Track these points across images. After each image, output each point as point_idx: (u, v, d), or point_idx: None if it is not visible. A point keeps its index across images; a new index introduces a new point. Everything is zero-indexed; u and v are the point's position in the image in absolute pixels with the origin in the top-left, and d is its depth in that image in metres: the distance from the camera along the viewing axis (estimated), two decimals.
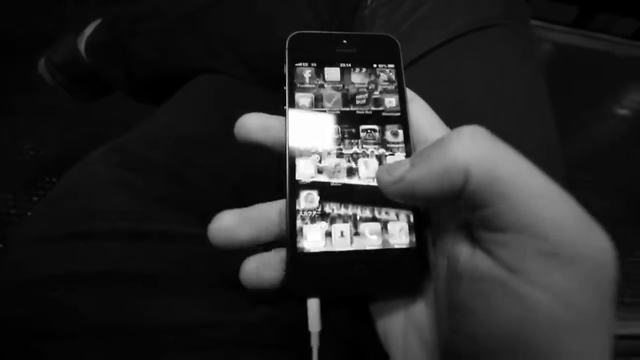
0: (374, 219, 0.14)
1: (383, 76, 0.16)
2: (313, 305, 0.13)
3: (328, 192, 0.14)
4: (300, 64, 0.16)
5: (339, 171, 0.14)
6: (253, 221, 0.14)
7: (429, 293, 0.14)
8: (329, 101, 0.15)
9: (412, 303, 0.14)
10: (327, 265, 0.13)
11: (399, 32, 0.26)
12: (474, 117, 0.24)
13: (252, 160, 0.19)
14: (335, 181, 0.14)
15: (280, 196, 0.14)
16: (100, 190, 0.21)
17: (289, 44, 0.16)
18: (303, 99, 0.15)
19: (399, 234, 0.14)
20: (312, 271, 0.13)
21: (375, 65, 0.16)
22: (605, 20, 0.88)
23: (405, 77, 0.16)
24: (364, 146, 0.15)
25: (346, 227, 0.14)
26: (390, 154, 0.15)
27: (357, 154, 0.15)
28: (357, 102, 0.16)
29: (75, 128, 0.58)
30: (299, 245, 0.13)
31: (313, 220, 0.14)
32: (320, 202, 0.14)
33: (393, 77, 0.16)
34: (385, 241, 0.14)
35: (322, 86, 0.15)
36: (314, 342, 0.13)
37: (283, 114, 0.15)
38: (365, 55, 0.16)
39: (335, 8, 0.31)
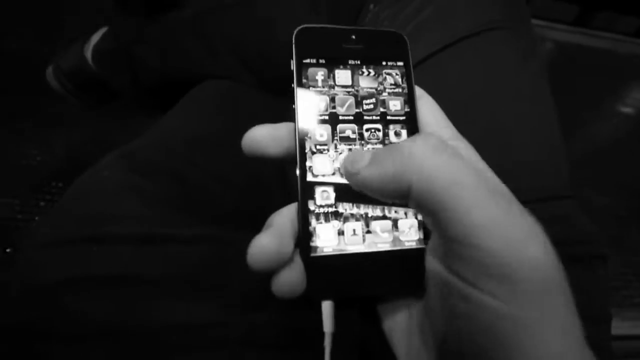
0: (384, 217, 0.14)
1: (392, 73, 0.16)
2: (327, 307, 0.13)
3: (340, 192, 0.14)
4: (307, 60, 0.15)
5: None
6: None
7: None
8: (338, 99, 0.15)
9: (414, 304, 0.14)
10: (340, 267, 0.14)
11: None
12: (477, 119, 0.25)
13: (258, 164, 0.19)
14: (345, 181, 0.14)
15: (288, 198, 0.14)
16: (111, 195, 0.21)
17: (295, 38, 0.15)
18: (311, 96, 0.15)
19: (409, 232, 0.14)
20: (325, 273, 0.14)
21: (384, 62, 0.16)
22: (607, 18, 0.88)
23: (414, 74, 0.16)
24: (373, 143, 0.15)
25: (358, 226, 0.14)
26: None
27: (366, 148, 0.15)
28: (367, 99, 0.15)
29: (82, 134, 0.58)
30: (313, 248, 0.14)
31: (327, 220, 0.14)
32: (333, 202, 0.14)
33: (402, 74, 0.16)
34: (396, 239, 0.14)
35: (331, 84, 0.15)
36: (327, 343, 0.13)
37: (291, 113, 0.15)
38: (373, 51, 0.16)
39: (336, 12, 0.32)
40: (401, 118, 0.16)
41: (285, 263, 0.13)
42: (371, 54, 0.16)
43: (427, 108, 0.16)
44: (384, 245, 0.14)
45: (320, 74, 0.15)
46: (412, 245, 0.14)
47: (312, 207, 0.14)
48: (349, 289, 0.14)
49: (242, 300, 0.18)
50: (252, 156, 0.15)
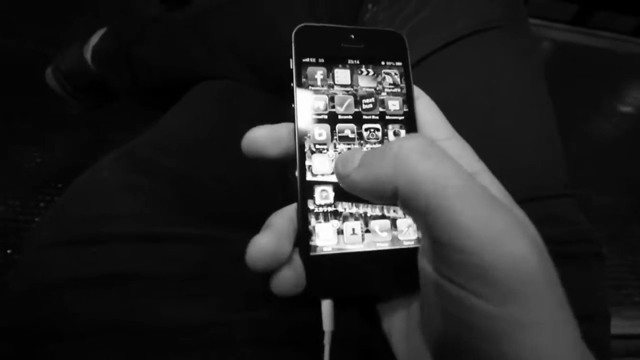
0: (383, 217, 0.14)
1: (391, 73, 0.16)
2: (326, 306, 0.14)
3: (339, 192, 0.14)
4: (307, 59, 0.15)
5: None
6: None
7: None
8: (337, 98, 0.15)
9: (412, 302, 0.14)
10: (339, 266, 0.14)
11: None
12: (474, 119, 0.25)
13: (258, 164, 0.19)
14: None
15: (287, 198, 0.15)
16: (111, 194, 0.21)
17: (295, 37, 0.15)
18: (311, 96, 0.15)
19: (408, 231, 0.14)
20: (325, 273, 0.14)
21: (383, 62, 0.16)
22: (605, 17, 0.88)
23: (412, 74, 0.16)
24: (372, 143, 0.15)
25: (357, 225, 0.14)
26: None
27: (365, 148, 0.15)
28: (366, 98, 0.16)
29: (82, 135, 0.58)
30: (312, 247, 0.14)
31: (326, 220, 0.14)
32: (333, 201, 0.14)
33: (401, 74, 0.16)
34: (394, 239, 0.14)
35: (330, 84, 0.15)
36: (327, 341, 0.13)
37: (290, 112, 0.15)
38: (372, 51, 0.16)
39: (335, 13, 0.32)
40: (400, 118, 0.16)
41: (284, 262, 0.13)
42: (370, 54, 0.16)
43: (425, 108, 0.16)
44: (383, 245, 0.14)
45: (319, 73, 0.15)
46: (411, 244, 0.14)
47: (311, 206, 0.14)
48: (348, 288, 0.14)
49: (242, 299, 0.18)
50: (251, 157, 0.15)
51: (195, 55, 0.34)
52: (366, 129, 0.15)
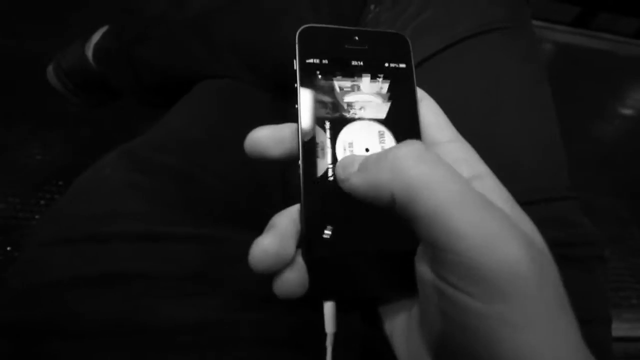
0: (386, 218, 0.14)
1: (394, 74, 0.16)
2: (329, 307, 0.14)
3: (342, 193, 0.14)
4: (310, 60, 0.15)
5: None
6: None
7: None
8: (341, 99, 0.15)
9: (414, 303, 0.14)
10: (342, 268, 0.14)
11: None
12: (476, 121, 0.25)
13: (260, 164, 0.19)
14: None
15: (289, 198, 0.14)
16: (112, 193, 0.21)
17: (299, 37, 0.15)
18: (314, 97, 0.15)
19: (410, 236, 0.14)
20: (328, 274, 0.14)
21: (386, 64, 0.16)
22: (606, 19, 0.88)
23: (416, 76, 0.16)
24: (375, 145, 0.15)
25: (361, 227, 0.14)
26: None
27: (367, 150, 0.15)
28: (369, 100, 0.15)
29: (83, 133, 0.58)
30: (315, 249, 0.14)
31: (329, 222, 0.14)
32: (335, 203, 0.14)
33: (404, 75, 0.16)
34: (399, 240, 0.14)
35: (333, 85, 0.15)
36: (329, 343, 0.13)
37: (294, 113, 0.15)
38: (376, 52, 0.16)
39: (338, 13, 0.32)
40: (403, 120, 0.16)
41: (287, 264, 0.13)
42: (374, 56, 0.16)
43: (429, 110, 0.16)
44: (387, 246, 0.14)
45: (323, 75, 0.15)
46: (416, 245, 0.14)
47: (314, 207, 0.14)
48: (351, 290, 0.14)
49: (243, 300, 0.18)
50: (254, 157, 0.15)
51: (197, 55, 0.34)
52: (369, 131, 0.15)
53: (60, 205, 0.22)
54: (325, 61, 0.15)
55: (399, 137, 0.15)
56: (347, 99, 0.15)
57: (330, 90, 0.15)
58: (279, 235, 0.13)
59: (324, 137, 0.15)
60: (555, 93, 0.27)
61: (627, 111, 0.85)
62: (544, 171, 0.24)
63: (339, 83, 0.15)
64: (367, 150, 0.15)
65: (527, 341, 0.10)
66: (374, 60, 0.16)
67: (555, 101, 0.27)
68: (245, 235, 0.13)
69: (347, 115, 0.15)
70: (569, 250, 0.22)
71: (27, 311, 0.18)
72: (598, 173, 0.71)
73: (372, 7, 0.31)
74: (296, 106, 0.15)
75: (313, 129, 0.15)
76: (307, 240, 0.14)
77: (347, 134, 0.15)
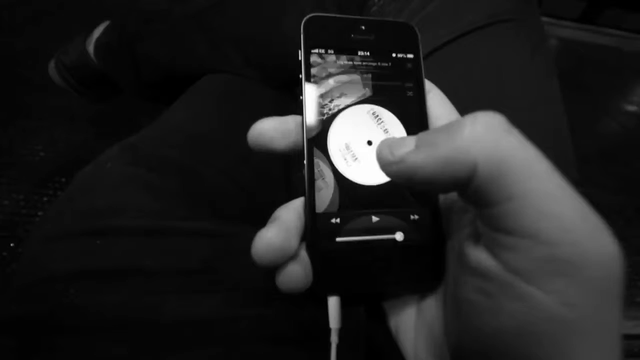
0: (393, 215, 0.14)
1: (401, 65, 0.15)
2: (333, 302, 0.13)
3: (348, 188, 0.14)
4: (316, 50, 0.15)
5: (357, 161, 0.14)
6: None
7: (440, 289, 0.14)
8: (346, 90, 0.15)
9: (423, 299, 0.14)
10: (347, 262, 0.13)
11: None
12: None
13: (263, 158, 0.19)
14: (354, 176, 0.14)
15: (293, 192, 0.14)
16: (115, 188, 0.21)
17: (304, 27, 0.15)
18: (319, 87, 0.15)
19: (418, 231, 0.14)
20: (333, 269, 0.13)
21: (394, 55, 0.15)
22: (613, 15, 0.87)
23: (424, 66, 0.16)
24: (382, 136, 0.15)
25: (366, 224, 0.14)
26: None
27: (370, 144, 0.15)
28: (376, 91, 0.15)
29: (85, 129, 0.58)
30: (319, 244, 0.13)
31: (333, 218, 0.14)
32: (341, 199, 0.14)
33: (412, 67, 0.16)
34: (404, 237, 0.14)
35: (339, 74, 0.15)
36: (334, 338, 0.13)
37: (299, 104, 0.15)
38: (383, 42, 0.15)
39: (342, 5, 0.31)
40: (411, 110, 0.15)
41: (290, 257, 0.12)
42: (381, 45, 0.15)
43: (437, 101, 0.15)
44: (395, 238, 0.14)
45: (329, 65, 0.15)
46: (425, 237, 0.14)
47: (319, 201, 0.14)
48: (357, 285, 0.14)
49: (247, 295, 0.18)
50: (258, 150, 0.14)
51: (199, 50, 0.34)
52: (377, 122, 0.15)
53: (62, 200, 0.22)
54: (331, 51, 0.15)
55: (407, 129, 0.15)
56: (353, 89, 0.15)
57: (336, 81, 0.15)
58: (282, 228, 0.12)
59: (330, 128, 0.14)
60: (561, 88, 0.27)
61: (633, 107, 0.84)
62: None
63: (345, 74, 0.15)
64: (369, 143, 0.15)
65: (595, 356, 0.09)
66: (381, 50, 0.15)
67: (562, 96, 0.27)
68: (250, 231, 0.12)
69: (353, 106, 0.15)
70: None
71: (30, 306, 0.18)
72: (603, 169, 0.70)
73: None
74: (301, 97, 0.15)
75: (318, 120, 0.14)
76: (312, 233, 0.13)
77: (353, 124, 0.15)
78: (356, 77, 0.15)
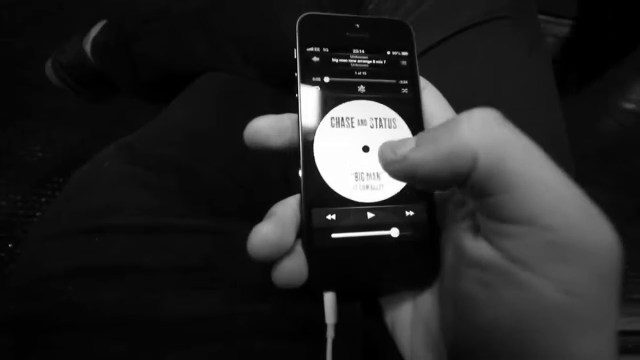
0: (388, 211, 0.14)
1: (396, 63, 0.16)
2: (329, 298, 0.13)
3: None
4: (311, 49, 0.15)
5: (353, 159, 0.14)
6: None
7: (436, 284, 0.14)
8: (341, 88, 0.15)
9: (419, 294, 0.14)
10: (343, 258, 0.13)
11: None
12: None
13: (261, 156, 0.19)
14: (349, 170, 0.14)
15: (291, 190, 0.14)
16: (113, 186, 0.21)
17: (299, 26, 0.15)
18: (315, 85, 0.15)
19: (413, 226, 0.14)
20: (328, 265, 0.13)
21: (388, 52, 0.16)
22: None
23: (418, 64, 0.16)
24: (377, 134, 0.15)
25: (361, 220, 0.14)
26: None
27: (366, 149, 0.15)
28: (370, 90, 0.15)
29: (82, 129, 0.58)
30: (315, 239, 0.13)
31: (329, 214, 0.14)
32: (336, 194, 0.14)
33: (406, 64, 0.16)
34: (399, 233, 0.14)
35: (334, 72, 0.15)
36: (329, 334, 0.13)
37: (294, 102, 0.15)
38: (378, 40, 0.16)
39: (339, 4, 0.31)
40: (406, 108, 0.15)
41: (286, 253, 0.12)
42: (376, 43, 0.16)
43: (432, 98, 0.15)
44: (390, 234, 0.14)
45: (324, 63, 0.15)
46: (420, 232, 0.14)
47: (314, 197, 0.14)
48: (352, 281, 0.14)
49: (245, 292, 0.18)
50: (254, 148, 0.14)
51: (198, 49, 0.34)
52: (371, 119, 0.15)
53: (60, 200, 0.22)
54: (326, 49, 0.15)
55: (403, 125, 0.15)
56: (348, 87, 0.15)
57: (331, 79, 0.15)
58: (278, 224, 0.12)
59: (325, 126, 0.15)
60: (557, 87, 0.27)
61: (631, 105, 0.84)
62: None
63: (340, 71, 0.15)
64: (366, 148, 0.15)
65: (596, 343, 0.09)
66: (375, 48, 0.16)
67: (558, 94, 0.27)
68: (248, 229, 0.12)
69: (348, 103, 0.15)
70: None
71: (27, 305, 0.18)
72: (601, 167, 0.71)
73: None
74: (296, 95, 0.15)
75: (314, 118, 0.14)
76: (307, 229, 0.13)
77: (348, 122, 0.15)
78: (351, 74, 0.15)
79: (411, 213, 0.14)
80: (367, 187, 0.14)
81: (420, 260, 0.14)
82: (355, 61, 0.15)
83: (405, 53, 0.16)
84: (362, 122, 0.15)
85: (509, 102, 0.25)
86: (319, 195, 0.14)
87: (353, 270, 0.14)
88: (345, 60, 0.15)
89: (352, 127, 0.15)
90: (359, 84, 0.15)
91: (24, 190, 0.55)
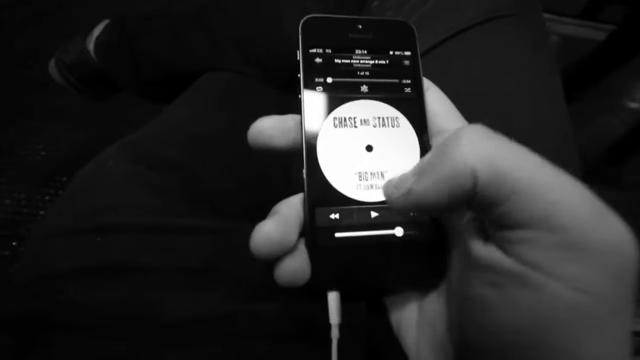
0: (392, 210, 0.14)
1: (399, 63, 0.16)
2: (333, 298, 0.13)
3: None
4: (314, 50, 0.15)
5: (357, 159, 0.14)
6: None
7: (443, 286, 0.14)
8: (344, 89, 0.15)
9: (426, 295, 0.14)
10: (347, 257, 0.13)
11: None
12: (487, 108, 0.24)
13: (264, 156, 0.19)
14: (352, 169, 0.14)
15: (293, 191, 0.14)
16: (115, 185, 0.21)
17: (302, 28, 0.15)
18: (318, 86, 0.15)
19: (418, 227, 0.14)
20: (332, 265, 0.13)
21: (391, 52, 0.16)
22: (614, 11, 0.86)
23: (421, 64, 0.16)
24: (380, 133, 0.15)
25: (365, 220, 0.14)
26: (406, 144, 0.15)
27: (370, 148, 0.15)
28: (373, 90, 0.15)
29: (85, 127, 0.58)
30: (319, 239, 0.13)
31: (332, 213, 0.14)
32: (340, 193, 0.14)
33: (409, 64, 0.16)
34: (404, 233, 0.14)
35: (336, 73, 0.15)
36: (334, 334, 0.13)
37: (297, 103, 0.15)
38: (380, 40, 0.16)
39: (342, 1, 0.31)
40: (409, 109, 0.15)
41: (288, 251, 0.12)
42: (378, 44, 0.16)
43: (436, 98, 0.15)
44: (394, 233, 0.14)
45: (326, 64, 0.15)
46: (425, 232, 0.14)
47: (317, 196, 0.14)
48: (356, 281, 0.14)
49: (247, 292, 0.18)
50: (257, 148, 0.14)
51: (199, 48, 0.34)
52: (374, 119, 0.15)
53: (63, 199, 0.22)
54: (329, 50, 0.15)
55: (407, 125, 0.15)
56: (351, 88, 0.15)
57: (335, 80, 0.15)
58: (281, 222, 0.12)
59: (328, 126, 0.15)
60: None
61: (635, 105, 0.83)
62: (556, 160, 0.24)
63: (343, 72, 0.15)
64: (369, 148, 0.15)
65: (608, 342, 0.09)
66: (377, 48, 0.16)
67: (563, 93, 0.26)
68: (248, 228, 0.12)
69: (351, 104, 0.15)
70: None
71: (28, 304, 0.18)
72: (608, 167, 0.70)
73: None
74: (299, 96, 0.15)
75: (317, 119, 0.14)
76: (311, 228, 0.13)
77: (351, 123, 0.15)
78: (354, 74, 0.15)
79: (415, 212, 0.14)
80: (371, 186, 0.14)
81: (425, 260, 0.14)
82: (357, 62, 0.15)
83: (407, 53, 0.16)
84: (365, 122, 0.15)
85: (513, 100, 0.25)
86: (322, 194, 0.14)
87: (357, 269, 0.13)
88: (347, 61, 0.15)
89: (355, 126, 0.15)
90: (362, 84, 0.15)
91: (27, 189, 0.55)
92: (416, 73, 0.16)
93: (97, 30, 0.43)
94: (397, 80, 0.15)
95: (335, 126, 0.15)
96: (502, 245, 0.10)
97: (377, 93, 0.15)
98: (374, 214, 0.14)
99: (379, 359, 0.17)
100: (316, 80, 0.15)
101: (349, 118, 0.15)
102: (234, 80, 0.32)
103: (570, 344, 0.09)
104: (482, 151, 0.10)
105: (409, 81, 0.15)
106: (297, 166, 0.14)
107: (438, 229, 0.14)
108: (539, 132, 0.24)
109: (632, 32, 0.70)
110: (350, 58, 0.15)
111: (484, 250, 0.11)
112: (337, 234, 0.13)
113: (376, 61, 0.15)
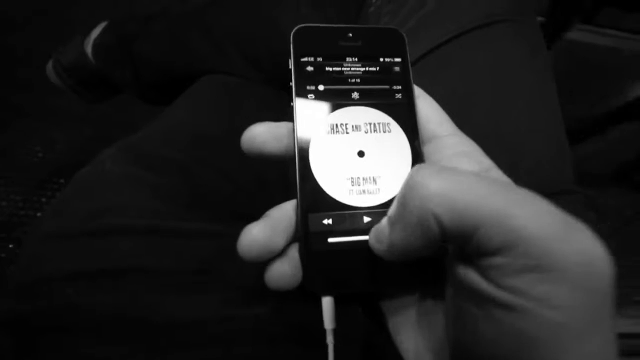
0: (385, 215, 0.14)
1: (389, 70, 0.16)
2: (327, 302, 0.13)
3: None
4: (305, 59, 0.15)
5: (349, 164, 0.14)
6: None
7: (440, 289, 0.14)
8: (336, 96, 0.15)
9: (424, 301, 0.14)
10: (341, 262, 0.14)
11: (406, 28, 0.26)
12: (482, 113, 0.24)
13: (261, 161, 0.19)
14: (344, 175, 0.14)
15: (289, 195, 0.14)
16: (114, 187, 0.21)
17: (293, 37, 0.16)
18: (310, 94, 0.15)
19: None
20: (325, 270, 0.13)
21: (381, 59, 0.16)
22: (611, 15, 0.87)
23: (412, 71, 0.16)
24: (372, 138, 0.15)
25: (357, 224, 0.14)
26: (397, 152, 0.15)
27: (362, 154, 0.15)
28: (364, 97, 0.15)
29: (83, 130, 0.58)
30: (313, 243, 0.13)
31: (325, 219, 0.14)
32: (332, 199, 0.14)
33: (400, 70, 0.16)
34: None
35: (328, 81, 0.15)
36: (329, 339, 0.13)
37: (290, 111, 0.15)
38: (371, 48, 0.16)
39: (339, 6, 0.31)
40: (400, 113, 0.15)
41: (276, 255, 0.13)
42: (369, 51, 0.16)
43: (426, 105, 0.15)
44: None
45: (318, 72, 0.15)
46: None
47: (310, 202, 0.14)
48: (350, 285, 0.14)
49: (245, 296, 0.18)
50: (251, 154, 0.14)
51: (198, 51, 0.34)
52: (366, 124, 0.15)
53: (60, 200, 0.22)
54: (320, 59, 0.16)
55: (398, 132, 0.15)
56: (343, 96, 0.15)
57: (326, 88, 0.15)
58: (269, 225, 0.13)
59: (320, 134, 0.15)
60: (558, 89, 0.27)
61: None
62: (550, 165, 0.24)
63: (334, 80, 0.15)
64: (361, 153, 0.15)
65: (592, 351, 0.09)
66: (369, 56, 0.16)
67: (559, 97, 0.27)
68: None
69: (343, 112, 0.15)
70: None
71: (27, 305, 0.18)
72: (602, 170, 0.71)
73: (373, 0, 0.30)
74: (292, 104, 0.15)
75: (309, 126, 0.15)
76: (304, 234, 0.13)
77: (343, 129, 0.15)
78: (346, 82, 0.16)
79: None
80: (363, 191, 0.14)
81: (418, 265, 0.14)
82: (348, 69, 0.16)
83: (398, 59, 0.16)
84: (357, 128, 0.15)
85: (511, 104, 0.25)
86: (315, 200, 0.14)
87: (350, 274, 0.14)
88: (338, 69, 0.16)
89: (347, 132, 0.15)
90: (353, 90, 0.15)
91: (24, 191, 0.55)
92: (406, 79, 0.16)
93: (95, 32, 0.43)
94: (387, 87, 0.16)
95: (327, 132, 0.15)
96: (481, 272, 0.11)
97: (368, 99, 0.15)
98: (366, 219, 0.14)
99: None
100: (308, 87, 0.15)
101: (341, 124, 0.15)
102: (233, 82, 0.32)
103: (553, 357, 0.09)
104: (439, 193, 0.10)
105: (399, 87, 0.16)
106: (290, 172, 0.15)
107: None
108: (533, 136, 0.24)
109: None
110: (341, 66, 0.16)
111: (468, 274, 0.11)
112: (330, 239, 0.14)
113: (367, 68, 0.16)
